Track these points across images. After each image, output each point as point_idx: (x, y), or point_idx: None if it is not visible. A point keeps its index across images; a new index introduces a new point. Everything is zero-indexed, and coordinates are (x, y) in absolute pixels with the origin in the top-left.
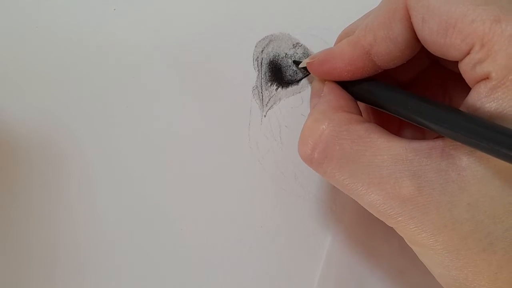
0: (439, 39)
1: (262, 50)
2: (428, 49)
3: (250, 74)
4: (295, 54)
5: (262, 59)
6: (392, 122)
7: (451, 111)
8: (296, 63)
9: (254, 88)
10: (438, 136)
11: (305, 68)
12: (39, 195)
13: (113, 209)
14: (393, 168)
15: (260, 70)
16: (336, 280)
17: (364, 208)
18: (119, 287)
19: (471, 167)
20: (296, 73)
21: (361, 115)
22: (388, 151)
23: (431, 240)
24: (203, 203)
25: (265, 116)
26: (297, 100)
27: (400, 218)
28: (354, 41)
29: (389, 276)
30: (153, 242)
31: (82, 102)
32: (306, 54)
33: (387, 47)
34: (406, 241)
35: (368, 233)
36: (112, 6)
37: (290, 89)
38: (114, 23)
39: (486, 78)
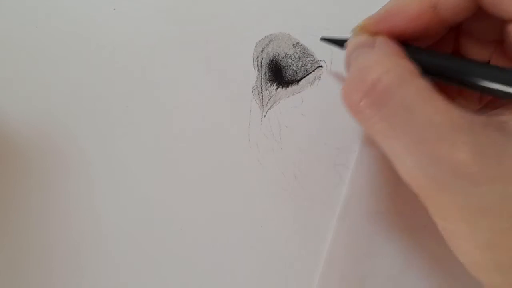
0: None
1: (262, 50)
2: (483, 5)
3: (250, 74)
4: (295, 54)
5: (262, 59)
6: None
7: None
8: (326, 39)
9: (254, 88)
10: (492, 111)
11: (330, 41)
12: (38, 194)
13: (113, 209)
14: (451, 131)
15: (260, 70)
16: (336, 280)
17: (364, 208)
18: (118, 286)
19: None
20: (296, 73)
21: None
22: (449, 113)
23: (477, 214)
24: (203, 202)
25: (265, 116)
26: (297, 100)
27: (446, 185)
28: None
29: (390, 276)
30: (152, 242)
31: (82, 102)
32: (306, 54)
33: None
34: (433, 216)
35: (369, 233)
36: (112, 6)
37: (290, 89)
38: (114, 23)
39: None
